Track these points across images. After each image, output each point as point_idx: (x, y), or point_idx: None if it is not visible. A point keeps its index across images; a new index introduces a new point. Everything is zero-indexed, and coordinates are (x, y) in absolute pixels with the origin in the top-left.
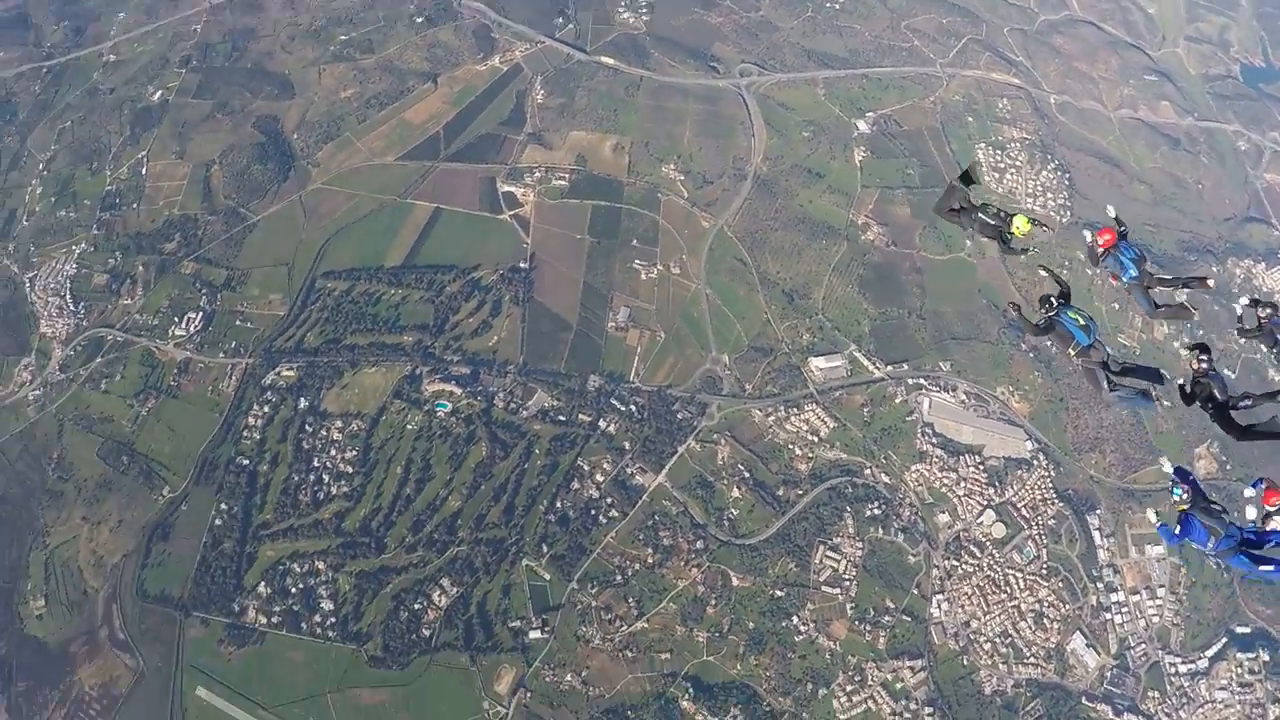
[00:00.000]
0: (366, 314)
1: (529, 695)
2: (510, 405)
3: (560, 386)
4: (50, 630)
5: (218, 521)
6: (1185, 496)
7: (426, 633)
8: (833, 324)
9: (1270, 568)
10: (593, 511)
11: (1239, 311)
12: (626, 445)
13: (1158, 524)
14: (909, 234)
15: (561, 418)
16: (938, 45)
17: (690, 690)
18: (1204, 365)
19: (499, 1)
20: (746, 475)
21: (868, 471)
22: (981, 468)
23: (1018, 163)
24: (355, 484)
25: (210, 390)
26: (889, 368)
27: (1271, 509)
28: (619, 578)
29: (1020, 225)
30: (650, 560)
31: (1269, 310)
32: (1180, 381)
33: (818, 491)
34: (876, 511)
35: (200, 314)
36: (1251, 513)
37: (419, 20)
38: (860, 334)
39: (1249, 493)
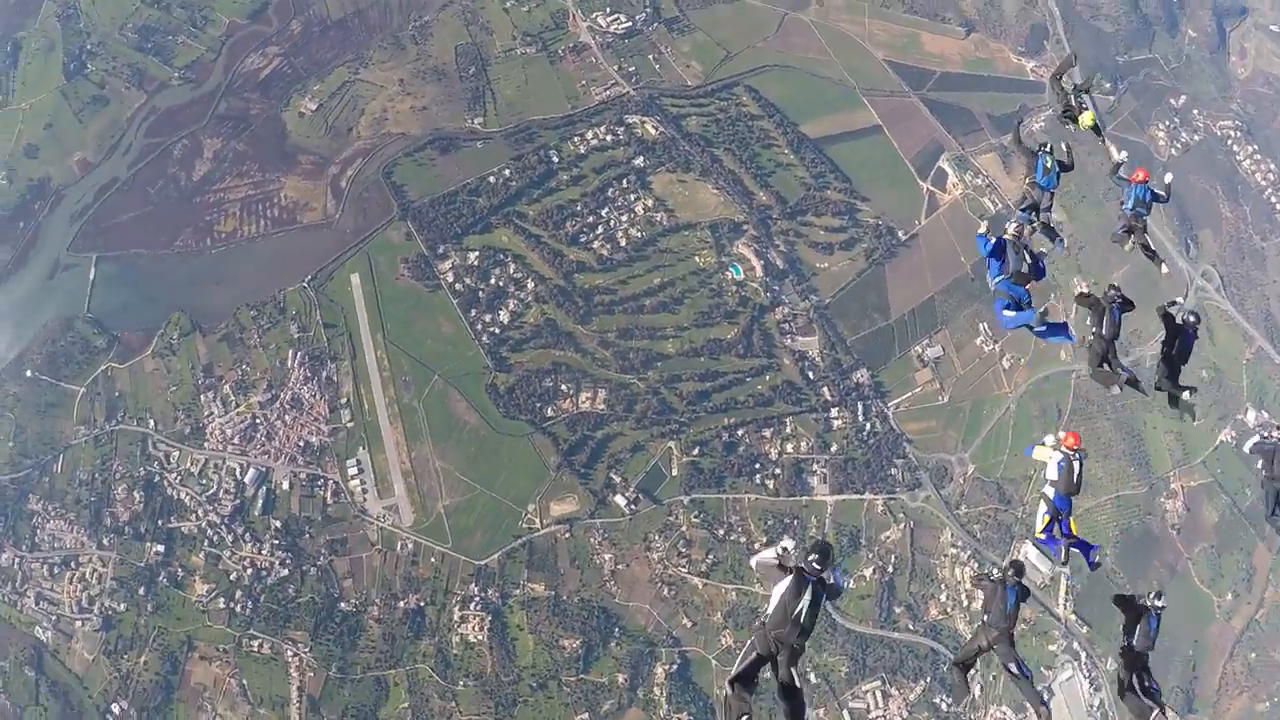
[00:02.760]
0: (750, 147)
1: (566, 536)
2: (784, 324)
3: (834, 352)
4: (297, 130)
5: (491, 179)
6: (1014, 231)
7: (549, 413)
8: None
9: (1012, 314)
10: (756, 465)
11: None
12: (834, 447)
13: (982, 231)
14: (1197, 538)
15: (811, 374)
16: None
17: (674, 666)
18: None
19: (1073, 23)
20: (889, 570)
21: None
22: None
23: None
24: (615, 258)
25: (581, 84)
26: (1073, 616)
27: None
28: (720, 532)
29: (1085, 119)
30: (755, 545)
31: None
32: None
33: (925, 644)
34: (947, 707)
35: (630, 23)
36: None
37: None
38: (1081, 567)
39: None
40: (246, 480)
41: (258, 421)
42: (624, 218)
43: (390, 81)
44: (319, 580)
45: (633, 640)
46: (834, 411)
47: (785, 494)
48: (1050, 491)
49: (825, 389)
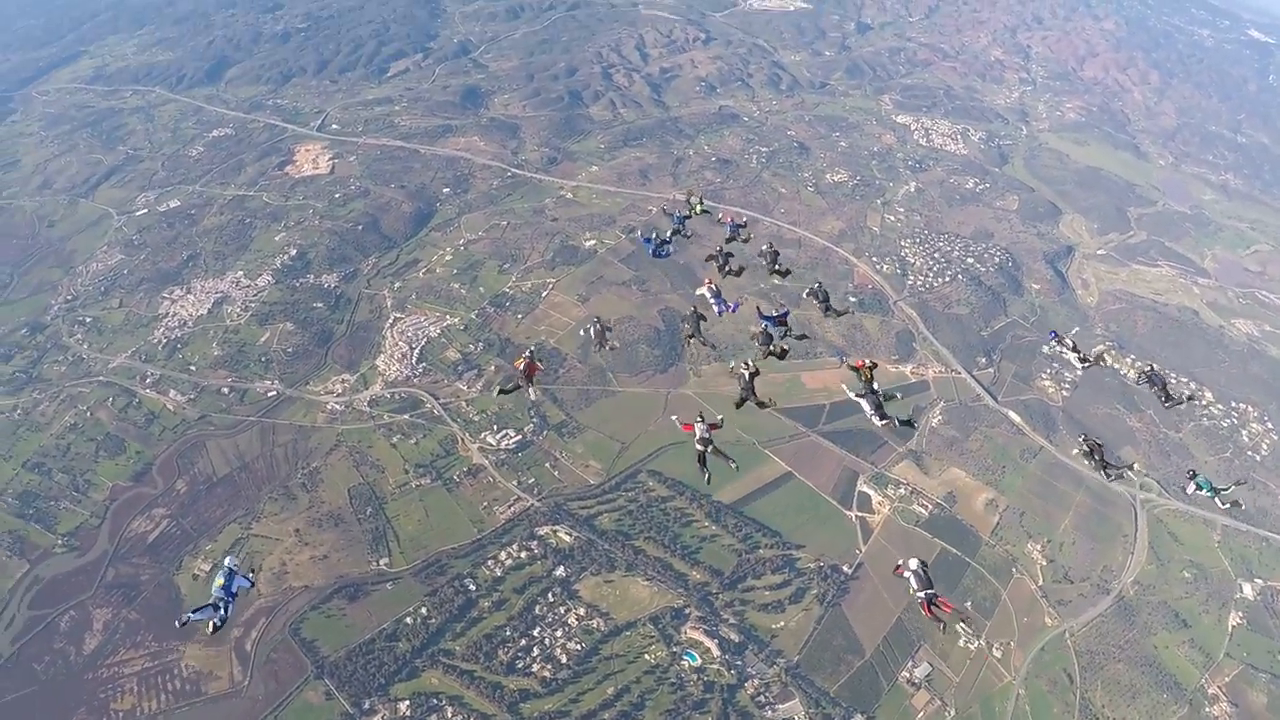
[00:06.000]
0: (670, 529)
1: None
2: (759, 698)
3: (821, 708)
4: (192, 593)
5: (409, 620)
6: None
7: None
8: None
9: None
10: None
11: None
12: None
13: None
14: None
15: None
16: None
17: None
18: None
19: (931, 319)
20: None
21: None
22: None
23: None
24: (560, 677)
25: (484, 506)
26: None
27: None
28: None
29: (697, 208)
30: None
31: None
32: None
33: None
34: None
35: (519, 437)
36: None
37: (853, 300)
38: None
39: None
40: None
41: None
42: (558, 633)
43: (285, 533)
44: None
45: None
46: None
47: None
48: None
49: None
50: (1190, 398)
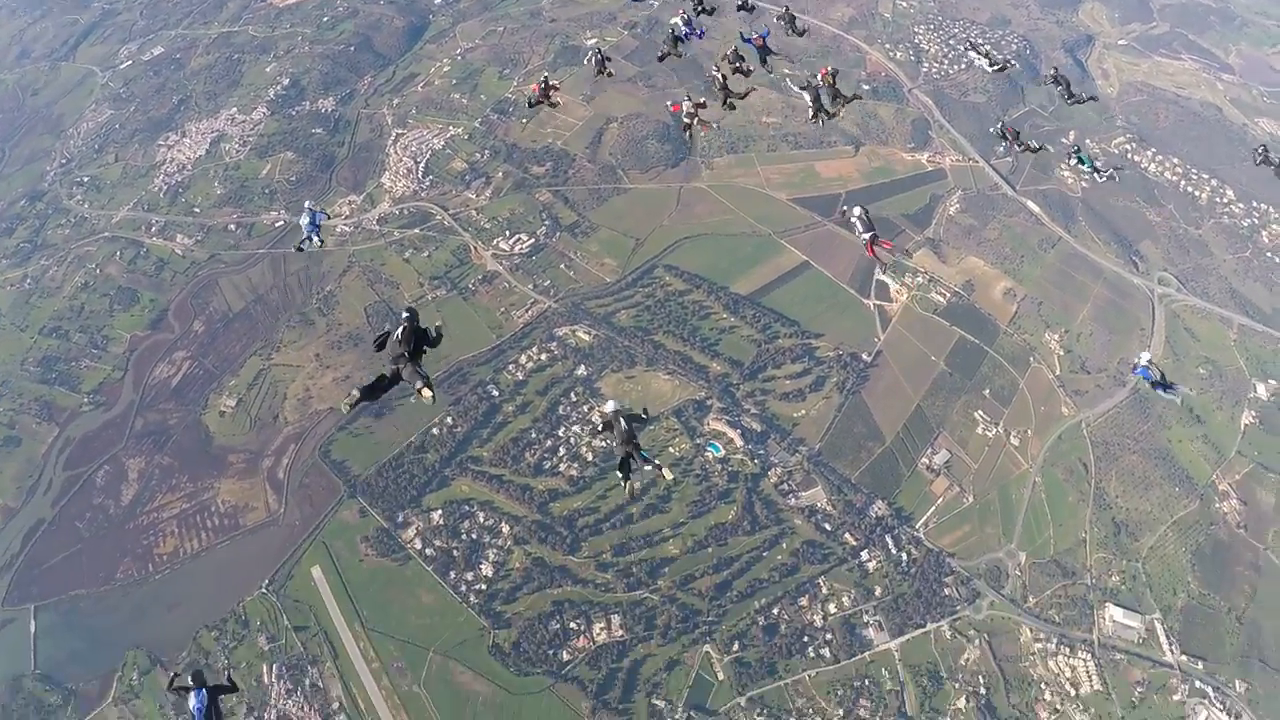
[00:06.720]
0: (689, 323)
1: None
2: (782, 485)
3: (842, 495)
4: (222, 431)
5: (435, 431)
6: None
7: (565, 657)
8: (1148, 580)
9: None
10: (805, 639)
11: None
12: (878, 591)
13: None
14: (1265, 525)
15: (827, 526)
16: None
17: None
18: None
19: (947, 106)
20: (982, 692)
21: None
22: None
23: None
24: (586, 474)
25: (501, 311)
26: (1184, 657)
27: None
28: None
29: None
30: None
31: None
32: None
33: None
34: None
35: (532, 240)
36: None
37: (865, 88)
38: (1170, 605)
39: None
40: None
41: None
42: (583, 431)
43: (306, 359)
44: None
45: None
46: (864, 554)
47: (845, 657)
48: None
49: (847, 535)
50: (1093, 98)
